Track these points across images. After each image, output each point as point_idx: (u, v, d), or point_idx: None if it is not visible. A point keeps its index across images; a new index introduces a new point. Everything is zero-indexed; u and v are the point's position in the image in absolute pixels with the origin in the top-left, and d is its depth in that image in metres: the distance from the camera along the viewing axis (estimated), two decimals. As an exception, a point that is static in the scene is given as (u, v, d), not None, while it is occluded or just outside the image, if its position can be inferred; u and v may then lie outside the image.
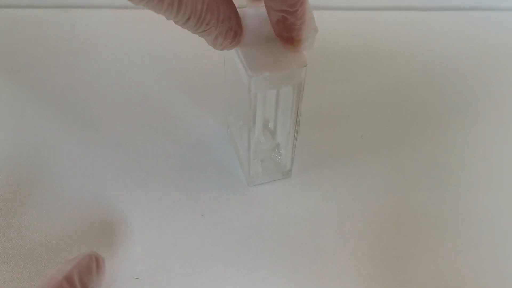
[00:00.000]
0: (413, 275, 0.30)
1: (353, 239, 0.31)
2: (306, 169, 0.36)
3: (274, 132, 0.34)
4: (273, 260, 0.30)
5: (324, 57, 0.45)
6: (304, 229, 0.32)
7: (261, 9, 0.28)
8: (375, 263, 0.30)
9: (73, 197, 0.33)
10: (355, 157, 0.37)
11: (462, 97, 0.42)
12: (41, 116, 0.39)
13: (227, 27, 0.26)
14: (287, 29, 0.26)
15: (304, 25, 0.27)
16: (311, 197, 0.34)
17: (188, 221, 0.32)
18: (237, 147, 0.36)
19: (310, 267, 0.30)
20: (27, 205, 0.33)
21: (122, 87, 0.42)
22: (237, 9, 0.27)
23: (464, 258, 0.31)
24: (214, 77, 0.42)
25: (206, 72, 0.43)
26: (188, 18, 0.24)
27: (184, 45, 0.46)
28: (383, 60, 0.46)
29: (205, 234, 0.32)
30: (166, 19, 0.24)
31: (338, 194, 0.34)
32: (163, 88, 0.42)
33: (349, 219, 0.33)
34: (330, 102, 0.41)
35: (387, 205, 0.34)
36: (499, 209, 0.34)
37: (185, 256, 0.30)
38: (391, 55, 0.46)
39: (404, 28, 0.50)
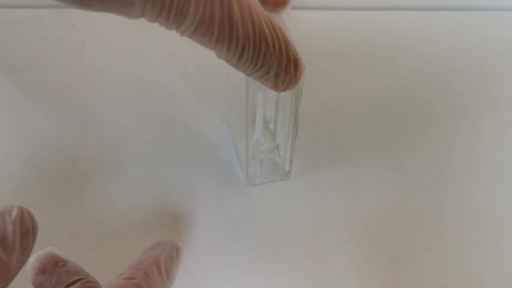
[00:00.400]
0: (413, 275, 0.30)
1: (353, 239, 0.31)
2: (306, 170, 0.36)
3: (274, 132, 0.34)
4: (273, 260, 0.30)
5: (324, 57, 0.45)
6: (304, 229, 0.32)
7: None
8: (375, 263, 0.30)
9: (73, 197, 0.33)
10: (355, 157, 0.37)
11: (462, 97, 0.42)
12: (41, 116, 0.39)
13: (285, 57, 0.23)
14: None
15: None
16: (311, 197, 0.34)
17: (188, 221, 0.32)
18: (237, 146, 0.36)
19: (310, 267, 0.30)
20: (26, 206, 0.33)
21: (122, 87, 0.42)
22: None
23: (464, 258, 0.31)
24: (215, 77, 0.42)
25: (207, 72, 0.43)
26: (243, 49, 0.22)
27: (185, 45, 0.46)
28: (383, 60, 0.46)
29: (204, 234, 0.32)
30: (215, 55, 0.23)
31: (338, 194, 0.34)
32: (163, 88, 0.42)
33: (349, 219, 0.33)
34: (330, 102, 0.41)
35: (387, 205, 0.34)
36: (499, 209, 0.34)
37: (184, 256, 0.30)
38: (391, 55, 0.46)
39: (404, 28, 0.50)
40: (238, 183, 0.35)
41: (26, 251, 0.22)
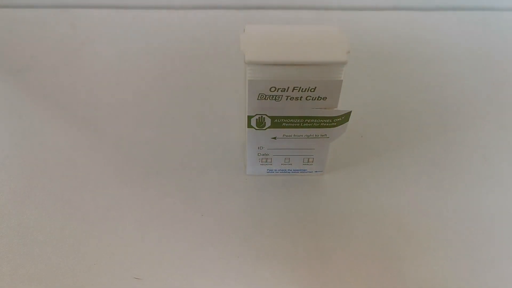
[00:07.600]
0: (413, 275, 0.30)
1: (353, 239, 0.31)
2: (306, 169, 0.36)
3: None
4: (273, 260, 0.30)
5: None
6: (304, 229, 0.32)
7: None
8: (375, 263, 0.30)
9: (73, 197, 0.33)
10: (355, 157, 0.37)
11: (462, 97, 0.42)
12: (41, 116, 0.39)
13: None
14: None
15: None
16: (310, 197, 0.34)
17: (188, 221, 0.32)
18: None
19: (310, 267, 0.30)
20: (26, 206, 0.33)
21: (122, 87, 0.42)
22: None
23: (464, 258, 0.31)
24: (214, 76, 0.42)
25: (207, 72, 0.43)
26: None
27: (184, 45, 0.46)
28: (383, 60, 0.46)
29: (205, 234, 0.32)
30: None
31: (338, 194, 0.34)
32: (163, 88, 0.42)
33: (349, 219, 0.33)
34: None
35: (387, 205, 0.34)
36: (499, 209, 0.34)
37: (185, 256, 0.30)
38: (391, 55, 0.46)
39: (404, 28, 0.50)
40: (239, 183, 0.35)
41: None
